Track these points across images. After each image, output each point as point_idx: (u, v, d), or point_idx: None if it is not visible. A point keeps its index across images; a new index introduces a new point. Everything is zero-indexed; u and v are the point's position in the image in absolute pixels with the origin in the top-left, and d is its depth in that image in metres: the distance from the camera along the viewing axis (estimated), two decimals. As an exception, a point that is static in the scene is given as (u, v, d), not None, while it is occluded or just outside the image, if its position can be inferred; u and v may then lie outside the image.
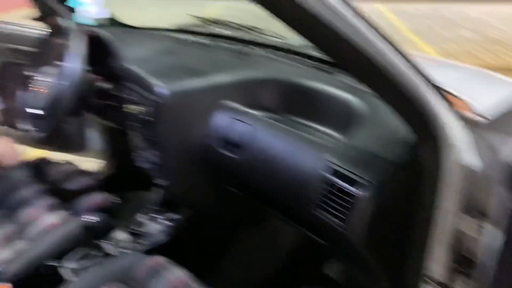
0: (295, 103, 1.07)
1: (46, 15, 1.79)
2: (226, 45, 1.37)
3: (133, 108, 1.10)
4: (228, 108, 1.06)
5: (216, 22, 1.46)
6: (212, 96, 1.06)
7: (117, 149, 1.76)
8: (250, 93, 1.07)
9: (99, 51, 1.42)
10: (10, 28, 1.97)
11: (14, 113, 2.13)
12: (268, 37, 1.34)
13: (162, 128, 1.07)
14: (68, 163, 1.53)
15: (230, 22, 1.40)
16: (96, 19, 1.29)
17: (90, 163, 2.31)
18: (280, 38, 1.31)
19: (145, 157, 1.21)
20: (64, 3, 1.50)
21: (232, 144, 1.03)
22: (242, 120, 1.02)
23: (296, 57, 1.22)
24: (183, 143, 1.08)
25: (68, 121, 1.19)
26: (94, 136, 1.89)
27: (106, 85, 1.28)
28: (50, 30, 1.34)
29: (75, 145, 1.93)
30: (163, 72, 1.13)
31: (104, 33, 1.31)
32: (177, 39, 1.47)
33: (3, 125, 2.10)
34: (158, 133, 1.08)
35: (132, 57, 1.23)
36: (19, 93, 2.07)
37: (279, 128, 0.97)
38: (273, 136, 0.95)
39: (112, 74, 1.38)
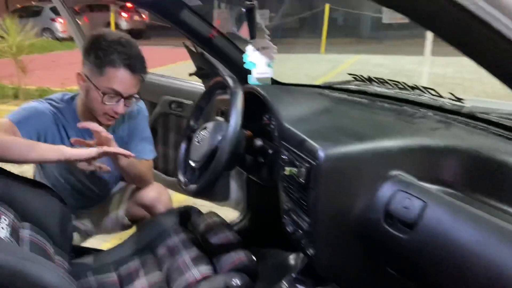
0: (481, 178, 0.89)
1: (204, 70, 1.92)
2: (387, 105, 1.26)
3: (286, 169, 1.04)
4: (396, 179, 0.92)
5: (373, 80, 1.37)
6: (377, 163, 0.94)
7: (261, 205, 1.73)
8: (423, 163, 0.92)
9: (255, 108, 1.43)
10: (171, 82, 2.19)
11: (171, 162, 2.32)
12: (436, 98, 1.19)
13: (316, 194, 0.98)
14: (213, 214, 1.54)
15: (389, 80, 1.30)
16: (262, 79, 1.31)
17: (232, 213, 2.36)
18: (452, 100, 1.15)
19: (292, 220, 1.13)
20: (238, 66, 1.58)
21: (399, 221, 0.88)
22: (413, 194, 0.87)
23: (477, 122, 1.04)
24: (339, 212, 0.97)
25: (221, 175, 1.18)
26: (239, 188, 1.92)
27: (259, 142, 1.26)
28: (210, 85, 1.39)
29: (220, 195, 1.98)
30: (320, 133, 1.06)
31: (261, 90, 1.32)
32: (332, 97, 1.41)
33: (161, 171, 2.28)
34: (312, 198, 1.00)
35: (288, 115, 1.19)
36: (177, 144, 2.24)
37: (463, 209, 0.79)
38: (455, 217, 0.78)
39: (266, 131, 1.36)
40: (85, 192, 1.63)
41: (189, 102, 2.05)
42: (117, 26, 12.12)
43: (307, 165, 0.98)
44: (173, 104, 2.12)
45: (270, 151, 1.25)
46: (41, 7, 14.55)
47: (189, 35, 1.50)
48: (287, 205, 1.15)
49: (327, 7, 9.70)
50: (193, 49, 1.90)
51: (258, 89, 1.33)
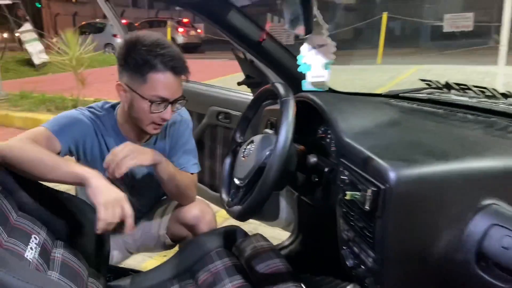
0: None
1: (253, 78, 1.79)
2: (471, 116, 1.04)
3: (347, 192, 0.86)
4: (491, 210, 0.72)
5: (451, 86, 1.16)
6: (466, 189, 0.74)
7: (315, 227, 1.55)
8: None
9: (309, 119, 1.27)
10: (218, 92, 2.07)
11: (217, 176, 2.20)
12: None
13: (385, 224, 0.80)
14: (260, 236, 1.39)
15: (474, 86, 1.08)
16: (318, 84, 1.13)
17: (281, 233, 2.19)
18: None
19: (353, 253, 0.95)
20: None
21: (497, 265, 0.68)
22: (517, 231, 0.66)
23: None
24: (415, 249, 0.78)
25: (268, 196, 1.02)
26: (289, 207, 1.75)
27: (314, 159, 1.09)
28: (258, 93, 1.24)
29: (268, 214, 1.82)
30: (390, 150, 0.88)
31: (316, 98, 1.15)
32: (400, 107, 1.21)
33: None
34: (379, 230, 0.81)
35: (348, 127, 1.02)
36: (224, 157, 2.12)
37: None
38: None
39: (321, 146, 1.19)
40: None
41: (237, 113, 1.92)
42: (173, 40, 12.48)
43: (373, 188, 0.81)
44: (221, 115, 2.01)
45: (326, 170, 1.08)
46: (104, 23, 15.31)
47: (237, 38, 1.37)
48: (347, 234, 0.97)
49: (384, 16, 9.30)
50: (242, 56, 1.78)
51: (313, 97, 1.17)
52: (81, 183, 1.09)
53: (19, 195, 1.13)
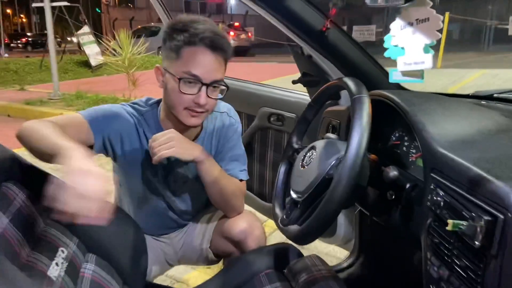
0: None
1: (311, 76, 1.59)
2: None
3: (449, 221, 0.64)
4: None
5: None
6: None
7: (380, 247, 1.32)
8: None
9: (382, 123, 1.05)
10: (270, 91, 1.89)
11: (267, 184, 2.02)
12: None
13: (504, 267, 0.58)
14: (316, 257, 1.19)
15: None
16: (414, 73, 0.90)
17: (339, 251, 1.97)
18: None
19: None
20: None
21: None
22: None
23: None
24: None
25: (335, 216, 0.82)
26: (348, 221, 1.53)
27: (394, 172, 0.87)
28: (321, 90, 1.05)
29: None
30: (505, 165, 0.65)
31: (396, 97, 0.93)
32: (502, 110, 0.97)
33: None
34: (494, 273, 0.60)
35: (441, 133, 0.80)
36: (276, 164, 1.93)
37: None
38: None
39: (395, 155, 0.98)
40: (167, 214, 1.39)
41: (291, 114, 1.73)
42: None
43: (487, 218, 0.59)
44: (273, 117, 1.82)
45: (408, 186, 0.86)
46: (159, 27, 15.65)
47: (296, 28, 1.17)
48: (437, 271, 0.75)
49: (446, 15, 8.67)
50: (298, 51, 1.59)
51: (390, 95, 0.95)
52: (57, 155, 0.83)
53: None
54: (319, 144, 0.97)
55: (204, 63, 1.09)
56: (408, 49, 0.86)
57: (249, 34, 18.16)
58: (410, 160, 1.01)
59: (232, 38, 16.56)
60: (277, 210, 1.05)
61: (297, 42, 1.53)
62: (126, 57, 5.20)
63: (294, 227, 0.92)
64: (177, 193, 1.35)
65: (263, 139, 1.90)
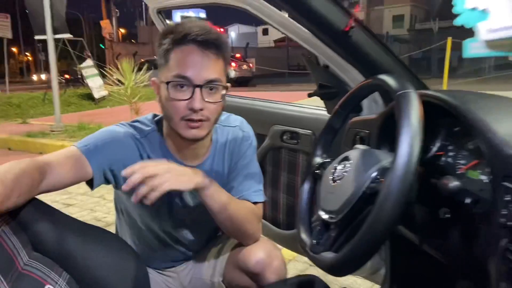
0: None
1: (328, 88, 1.46)
2: None
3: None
4: None
5: None
6: None
7: (419, 280, 1.14)
8: None
9: (425, 132, 0.91)
10: (282, 108, 1.76)
11: (282, 209, 1.86)
12: None
13: None
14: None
15: None
16: (502, 44, 0.75)
17: (359, 282, 1.79)
18: None
19: None
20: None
21: None
22: None
23: None
24: None
25: (384, 240, 0.66)
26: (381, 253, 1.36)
27: (455, 183, 0.71)
28: (352, 92, 0.91)
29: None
30: None
31: (445, 96, 0.79)
32: None
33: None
34: None
35: (509, 134, 0.65)
36: (290, 187, 1.77)
37: None
38: None
39: (442, 167, 0.83)
40: (172, 245, 1.23)
41: (307, 131, 1.59)
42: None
43: None
44: (286, 135, 1.68)
45: (469, 200, 0.70)
46: (162, 60, 15.91)
47: (316, 27, 1.05)
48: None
49: (449, 41, 8.61)
50: (313, 61, 1.47)
51: (438, 93, 0.81)
52: None
53: (34, 230, 0.85)
54: (353, 154, 0.82)
55: (194, 61, 0.96)
56: (494, 10, 0.70)
57: (250, 65, 18.35)
58: (458, 172, 0.86)
59: (234, 69, 16.68)
60: (304, 235, 0.89)
61: (312, 52, 1.41)
62: (129, 86, 5.15)
63: (328, 255, 0.76)
64: (183, 222, 1.19)
65: (275, 159, 1.75)
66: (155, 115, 1.15)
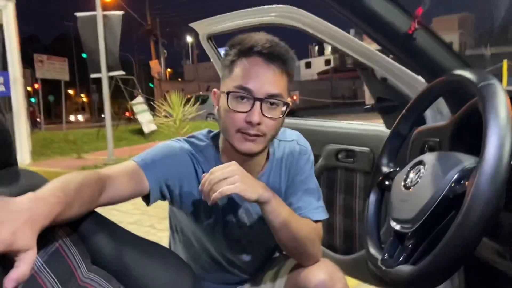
0: None
1: (386, 102, 1.39)
2: None
3: None
4: None
5: None
6: None
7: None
8: None
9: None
10: (336, 126, 1.70)
11: (338, 233, 1.76)
12: None
13: None
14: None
15: None
16: None
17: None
18: None
19: None
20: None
21: None
22: None
23: None
24: None
25: (473, 249, 0.58)
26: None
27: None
28: (423, 96, 0.84)
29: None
30: None
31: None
32: None
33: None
34: None
35: None
36: (347, 209, 1.68)
37: None
38: None
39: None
40: (227, 267, 1.18)
41: (364, 149, 1.52)
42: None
43: None
44: (341, 154, 1.61)
45: None
46: (207, 96, 16.47)
47: (377, 31, 1.01)
48: None
49: (504, 63, 8.21)
50: (370, 74, 1.42)
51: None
52: None
53: (93, 242, 0.84)
54: (429, 157, 0.75)
55: (257, 74, 0.93)
56: None
57: (295, 97, 18.51)
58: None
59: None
60: (373, 250, 0.81)
61: (368, 65, 1.36)
62: (177, 117, 5.30)
63: (405, 268, 0.68)
64: (239, 242, 1.14)
65: (330, 180, 1.68)
66: (210, 131, 1.14)
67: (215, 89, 1.03)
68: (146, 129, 10.24)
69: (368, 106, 1.43)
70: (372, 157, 1.49)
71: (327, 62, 29.36)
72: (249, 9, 1.70)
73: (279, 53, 0.94)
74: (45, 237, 0.73)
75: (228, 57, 0.97)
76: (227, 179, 0.89)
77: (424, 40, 1.00)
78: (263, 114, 0.93)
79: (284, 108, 0.97)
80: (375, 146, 1.48)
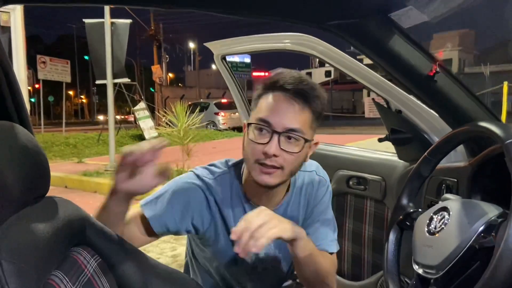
0: None
1: (400, 133, 1.42)
2: None
3: None
4: None
5: None
6: None
7: None
8: None
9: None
10: (348, 152, 1.73)
11: (348, 259, 1.76)
12: None
13: None
14: None
15: None
16: None
17: None
18: None
19: None
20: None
21: None
22: None
23: None
24: None
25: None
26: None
27: None
28: (445, 139, 0.87)
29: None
30: None
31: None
32: None
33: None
34: None
35: None
36: (357, 235, 1.70)
37: None
38: None
39: None
40: None
41: (376, 177, 1.54)
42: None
43: None
44: (352, 180, 1.64)
45: None
46: (208, 103, 16.45)
47: (398, 73, 1.03)
48: None
49: (505, 85, 8.29)
50: (384, 105, 1.44)
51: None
52: None
53: (121, 270, 0.86)
54: (453, 205, 0.77)
55: (277, 108, 0.95)
56: None
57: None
58: None
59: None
60: (395, 291, 0.84)
61: (383, 97, 1.39)
62: (182, 128, 5.32)
63: (429, 315, 0.70)
64: (256, 268, 1.16)
65: (340, 206, 1.70)
66: (228, 160, 1.15)
67: (245, 121, 1.06)
68: (147, 135, 10.23)
69: (382, 137, 1.45)
70: (384, 185, 1.51)
71: (328, 73, 29.46)
72: (264, 35, 1.73)
73: (302, 89, 0.97)
74: (79, 267, 0.75)
75: (257, 92, 1.01)
76: (267, 224, 0.88)
77: (444, 82, 1.03)
78: (280, 147, 0.95)
79: (305, 144, 0.99)
80: (387, 175, 1.51)
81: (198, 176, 1.08)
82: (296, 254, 0.97)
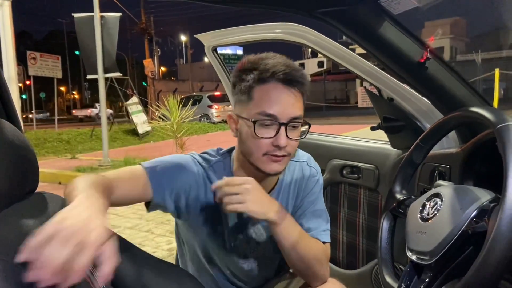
0: None
1: (392, 122, 1.42)
2: None
3: None
4: None
5: None
6: None
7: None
8: None
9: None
10: (341, 142, 1.73)
11: (342, 247, 1.77)
12: None
13: None
14: None
15: None
16: None
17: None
18: None
19: None
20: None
21: None
22: None
23: None
24: None
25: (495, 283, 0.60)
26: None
27: None
28: (438, 127, 0.87)
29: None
30: None
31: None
32: None
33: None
34: None
35: None
36: (351, 224, 1.70)
37: None
38: None
39: None
40: (234, 282, 1.19)
41: (369, 166, 1.54)
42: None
43: None
44: (346, 170, 1.64)
45: None
46: (201, 96, 16.39)
47: (389, 60, 1.03)
48: None
49: (497, 72, 8.34)
50: (376, 93, 1.44)
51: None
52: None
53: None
54: (446, 191, 0.77)
55: (279, 99, 0.95)
56: None
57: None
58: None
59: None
60: (389, 278, 0.84)
61: (375, 85, 1.38)
62: (175, 121, 5.30)
63: (423, 301, 0.70)
64: (247, 256, 1.16)
65: (334, 195, 1.70)
66: (219, 149, 1.15)
67: (231, 113, 1.05)
68: (140, 130, 10.20)
69: (375, 126, 1.45)
70: (377, 174, 1.51)
71: (320, 64, 29.40)
72: (255, 25, 1.72)
73: (297, 76, 0.97)
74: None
75: (245, 83, 0.98)
76: (238, 196, 0.92)
77: (436, 68, 1.02)
78: (287, 137, 0.96)
79: (304, 128, 1.01)
80: (380, 163, 1.51)
81: (197, 162, 1.08)
82: (276, 238, 0.99)
